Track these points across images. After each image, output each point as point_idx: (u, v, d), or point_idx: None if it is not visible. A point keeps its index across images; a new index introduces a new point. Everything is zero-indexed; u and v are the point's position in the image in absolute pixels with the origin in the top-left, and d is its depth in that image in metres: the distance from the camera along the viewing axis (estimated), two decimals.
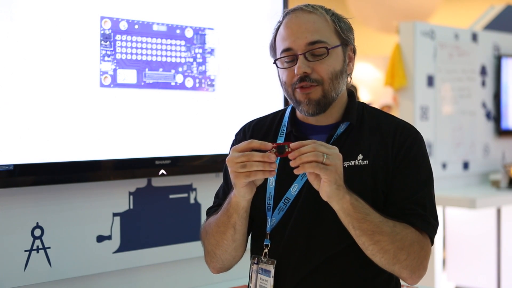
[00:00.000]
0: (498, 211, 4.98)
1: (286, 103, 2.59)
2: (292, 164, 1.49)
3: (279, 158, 1.53)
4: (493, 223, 5.00)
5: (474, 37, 5.05)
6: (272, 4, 2.59)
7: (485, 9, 5.93)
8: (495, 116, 5.22)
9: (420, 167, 1.69)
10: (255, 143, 1.53)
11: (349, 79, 1.75)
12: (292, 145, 1.50)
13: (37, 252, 2.08)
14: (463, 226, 5.13)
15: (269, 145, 1.52)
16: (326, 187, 1.50)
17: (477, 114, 5.07)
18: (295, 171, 1.50)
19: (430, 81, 4.70)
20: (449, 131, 4.83)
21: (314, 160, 1.47)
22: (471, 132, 5.00)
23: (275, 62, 1.71)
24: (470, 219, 5.07)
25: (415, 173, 1.67)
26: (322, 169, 1.48)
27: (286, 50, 1.67)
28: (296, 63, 1.65)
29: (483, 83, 5.13)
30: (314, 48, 1.64)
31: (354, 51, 1.74)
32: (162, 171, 2.29)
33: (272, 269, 1.67)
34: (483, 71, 5.12)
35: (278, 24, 1.73)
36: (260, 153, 1.51)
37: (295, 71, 1.65)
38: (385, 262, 1.58)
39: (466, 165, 4.96)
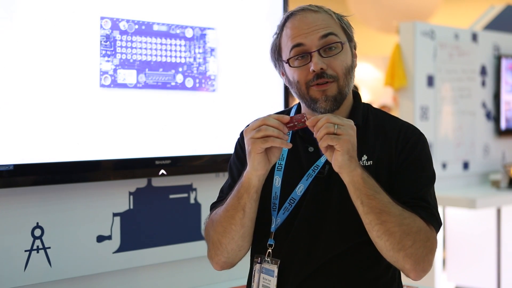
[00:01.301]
0: (498, 211, 4.98)
1: (286, 103, 2.59)
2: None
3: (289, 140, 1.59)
4: (493, 223, 5.00)
5: (474, 37, 5.05)
6: (272, 4, 2.58)
7: (485, 9, 5.93)
8: (495, 116, 5.22)
9: (423, 167, 1.69)
10: (272, 116, 1.57)
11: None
12: (308, 122, 1.55)
13: (37, 252, 2.08)
14: (463, 226, 5.13)
15: (286, 117, 1.57)
16: (338, 156, 1.52)
17: (477, 114, 5.07)
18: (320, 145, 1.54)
19: (430, 81, 4.70)
20: (449, 131, 4.82)
21: (326, 132, 1.50)
22: (471, 132, 5.00)
23: (287, 62, 1.69)
24: (470, 219, 5.07)
25: (418, 172, 1.67)
26: (334, 139, 1.50)
27: (297, 45, 1.66)
28: (310, 61, 1.65)
29: (483, 83, 5.13)
30: (328, 42, 1.65)
31: (355, 48, 1.76)
32: (162, 171, 2.29)
33: (275, 268, 1.67)
34: (483, 71, 5.12)
35: (281, 26, 1.72)
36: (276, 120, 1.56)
37: (312, 68, 1.64)
38: (390, 248, 1.56)
39: (466, 165, 4.96)
